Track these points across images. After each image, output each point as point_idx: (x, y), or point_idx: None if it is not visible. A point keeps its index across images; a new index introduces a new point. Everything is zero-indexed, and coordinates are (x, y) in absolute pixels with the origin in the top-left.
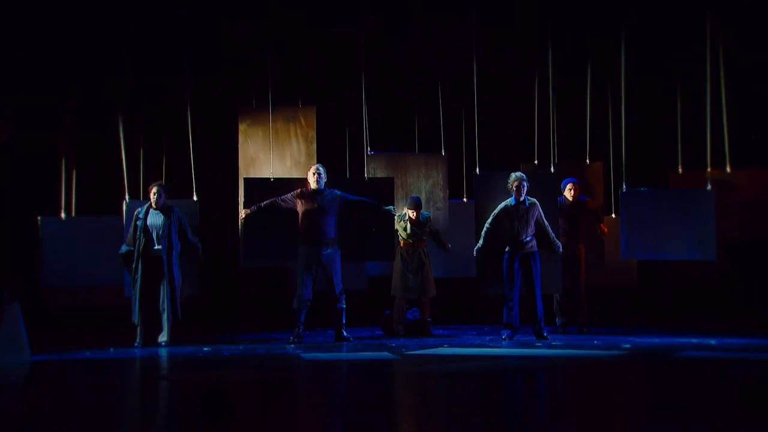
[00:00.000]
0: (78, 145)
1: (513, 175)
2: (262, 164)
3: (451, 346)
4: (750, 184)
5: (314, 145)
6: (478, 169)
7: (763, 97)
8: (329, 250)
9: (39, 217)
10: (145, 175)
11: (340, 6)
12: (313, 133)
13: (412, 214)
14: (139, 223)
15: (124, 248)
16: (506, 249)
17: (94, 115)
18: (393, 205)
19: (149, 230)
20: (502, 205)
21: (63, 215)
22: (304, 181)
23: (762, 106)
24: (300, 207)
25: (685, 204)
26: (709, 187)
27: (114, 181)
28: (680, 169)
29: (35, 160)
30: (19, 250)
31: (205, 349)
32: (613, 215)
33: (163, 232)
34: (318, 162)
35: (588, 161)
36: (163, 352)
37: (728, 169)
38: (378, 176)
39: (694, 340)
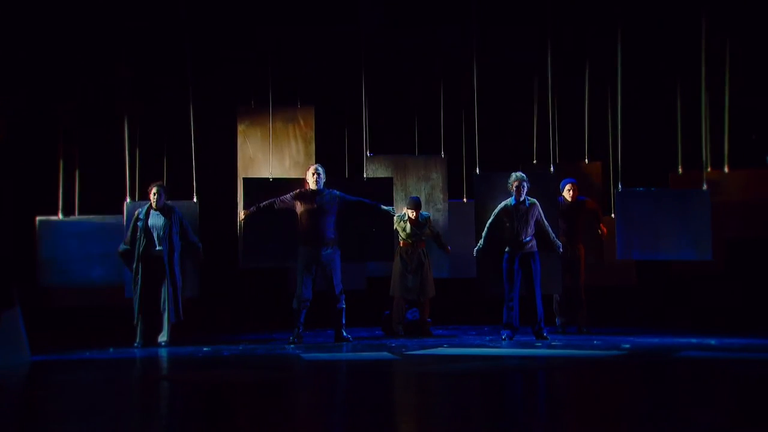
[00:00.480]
0: (77, 145)
1: (513, 175)
2: (261, 165)
3: (450, 346)
4: (747, 185)
5: (313, 146)
6: (477, 169)
7: (762, 97)
8: (329, 251)
9: (37, 218)
10: (145, 176)
11: (340, 6)
12: (311, 134)
13: (411, 214)
14: (140, 224)
15: (122, 246)
16: (506, 249)
17: (94, 115)
18: (392, 205)
19: (150, 231)
20: (502, 205)
21: (60, 215)
22: (303, 182)
23: (762, 106)
24: (299, 207)
25: (682, 204)
26: (704, 187)
27: (110, 182)
28: (680, 169)
29: (34, 159)
30: (18, 250)
31: (205, 349)
32: (612, 215)
33: (164, 233)
34: (317, 162)
35: (587, 161)
36: (163, 352)
37: (726, 169)
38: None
39: (693, 340)
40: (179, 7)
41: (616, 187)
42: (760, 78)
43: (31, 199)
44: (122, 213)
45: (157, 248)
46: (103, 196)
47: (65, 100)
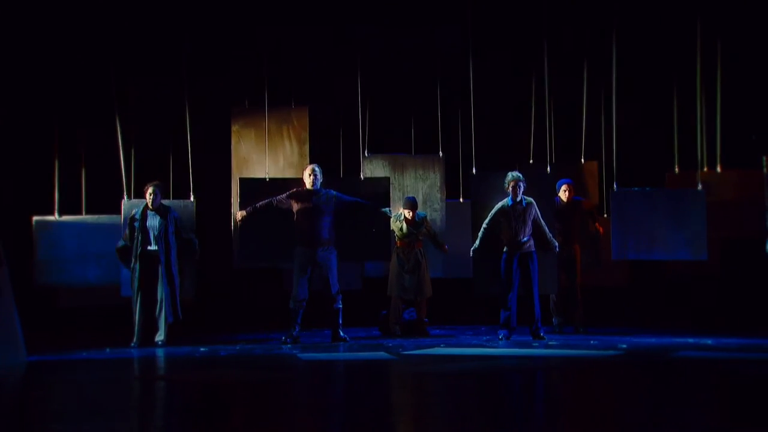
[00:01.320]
0: (73, 144)
1: (510, 175)
2: (255, 165)
3: (448, 346)
4: (741, 184)
5: (307, 146)
6: (474, 169)
7: (761, 97)
8: (325, 251)
9: (33, 218)
10: (141, 175)
11: (336, 6)
12: (305, 134)
13: (408, 214)
14: (136, 224)
15: (120, 243)
16: (504, 249)
17: (91, 115)
18: (389, 206)
19: (147, 231)
20: (499, 205)
21: (56, 215)
22: (299, 181)
23: (760, 106)
24: (295, 207)
25: (676, 204)
26: (699, 187)
27: (107, 181)
28: (677, 169)
29: (30, 159)
30: (15, 250)
31: (202, 349)
32: (605, 215)
33: (160, 233)
34: (312, 163)
35: (584, 161)
36: (160, 352)
37: (718, 169)
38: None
39: (690, 340)
40: (178, 8)
41: (611, 187)
42: (758, 77)
43: (28, 198)
44: (119, 212)
45: (154, 248)
46: (100, 196)
47: (62, 100)
